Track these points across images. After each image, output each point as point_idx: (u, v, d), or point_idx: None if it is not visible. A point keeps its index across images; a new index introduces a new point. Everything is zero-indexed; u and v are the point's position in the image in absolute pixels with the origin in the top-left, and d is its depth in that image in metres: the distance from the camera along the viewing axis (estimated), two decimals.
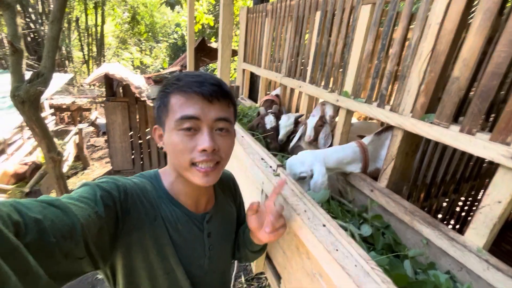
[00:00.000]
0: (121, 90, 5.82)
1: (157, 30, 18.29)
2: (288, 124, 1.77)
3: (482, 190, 2.21)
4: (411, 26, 1.52)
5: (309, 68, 1.80)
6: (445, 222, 2.07)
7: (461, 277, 0.92)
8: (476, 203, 2.21)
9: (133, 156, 6.08)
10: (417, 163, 1.55)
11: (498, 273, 0.80)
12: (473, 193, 2.15)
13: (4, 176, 4.81)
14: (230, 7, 1.40)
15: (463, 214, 2.14)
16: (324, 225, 0.74)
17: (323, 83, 1.66)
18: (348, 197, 1.33)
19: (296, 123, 1.80)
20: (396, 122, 1.12)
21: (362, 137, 1.68)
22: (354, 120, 1.98)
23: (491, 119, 1.57)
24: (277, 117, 1.89)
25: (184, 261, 0.68)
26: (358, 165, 1.31)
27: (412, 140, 1.17)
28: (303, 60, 1.94)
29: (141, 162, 6.22)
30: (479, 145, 0.84)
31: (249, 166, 1.18)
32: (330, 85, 1.60)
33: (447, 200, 1.89)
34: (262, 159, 1.16)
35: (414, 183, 1.58)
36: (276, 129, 1.84)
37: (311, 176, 1.19)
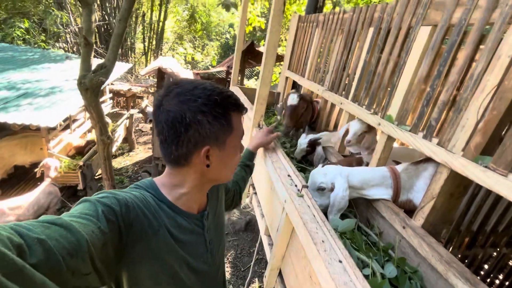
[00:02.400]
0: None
1: (211, 29, 19.22)
2: (303, 143, 1.77)
3: None
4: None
5: (354, 85, 1.72)
6: (491, 275, 1.80)
7: None
8: None
9: None
10: (464, 206, 1.37)
11: None
12: None
13: (68, 146, 5.56)
14: (279, 18, 1.40)
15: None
16: (340, 261, 0.70)
17: (366, 103, 1.57)
18: (375, 229, 1.24)
19: (311, 144, 1.78)
20: (443, 159, 1.00)
21: (398, 163, 1.56)
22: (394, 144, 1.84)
23: None
24: (302, 98, 1.96)
25: (190, 261, 0.72)
26: (387, 190, 1.21)
27: (460, 182, 1.04)
28: (349, 74, 1.86)
29: None
30: None
31: (275, 181, 1.17)
32: (374, 106, 1.51)
33: (496, 251, 1.64)
34: (288, 175, 1.14)
35: (457, 228, 1.40)
36: (295, 108, 1.91)
37: (331, 190, 1.15)
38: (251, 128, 1.80)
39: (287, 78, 3.07)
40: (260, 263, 4.10)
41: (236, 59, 3.17)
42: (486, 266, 1.77)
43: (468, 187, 1.10)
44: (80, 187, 5.13)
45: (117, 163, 7.45)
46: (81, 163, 5.07)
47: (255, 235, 4.64)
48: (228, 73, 8.04)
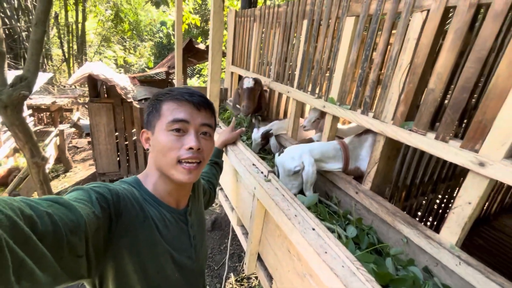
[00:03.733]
0: (104, 90, 5.68)
1: (142, 29, 17.89)
2: (257, 137, 1.87)
3: (457, 189, 2.37)
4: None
5: (297, 74, 1.86)
6: (424, 219, 2.20)
7: (437, 272, 1.00)
8: (451, 201, 2.36)
9: (118, 158, 5.94)
10: (398, 166, 1.64)
11: (468, 267, 0.88)
12: (449, 191, 2.29)
13: None
14: (220, 14, 1.43)
15: (440, 211, 2.28)
16: (313, 229, 0.80)
17: (310, 89, 1.72)
18: (334, 200, 1.40)
19: (264, 137, 1.89)
20: (379, 129, 1.19)
21: (340, 138, 1.78)
22: (340, 125, 2.06)
23: (463, 124, 1.69)
24: (257, 82, 2.04)
25: (175, 255, 0.73)
26: (340, 163, 1.39)
27: (393, 145, 1.25)
28: (291, 64, 2.00)
29: (127, 164, 6.10)
30: (451, 152, 0.93)
31: (241, 172, 1.22)
32: (317, 91, 1.67)
33: (425, 199, 2.01)
34: (253, 165, 1.20)
35: (396, 184, 1.67)
36: (251, 90, 1.98)
37: (303, 168, 1.27)
38: None
39: (232, 73, 3.11)
40: (233, 257, 4.15)
41: (178, 58, 3.08)
42: (419, 213, 2.15)
43: (399, 149, 1.33)
44: None
45: (53, 187, 6.50)
46: (5, 194, 4.30)
47: (223, 232, 4.65)
48: (167, 73, 7.67)
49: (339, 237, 1.11)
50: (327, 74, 1.57)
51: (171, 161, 0.70)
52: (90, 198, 0.56)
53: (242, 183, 1.28)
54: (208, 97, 1.74)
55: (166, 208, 0.75)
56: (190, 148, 0.69)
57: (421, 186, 1.89)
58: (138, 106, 4.74)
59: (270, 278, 1.14)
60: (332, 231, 1.13)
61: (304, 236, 0.77)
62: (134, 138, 5.96)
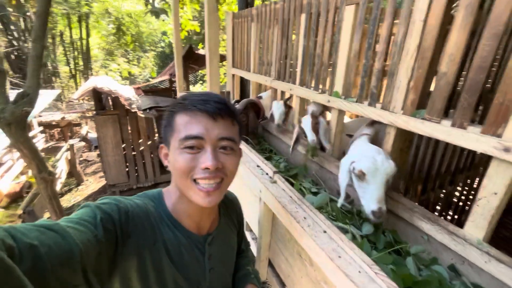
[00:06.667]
0: (110, 103, 5.75)
1: (144, 40, 18.19)
2: (279, 107, 1.90)
3: (477, 179, 2.24)
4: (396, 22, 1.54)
5: (298, 70, 1.80)
6: (443, 213, 2.09)
7: (464, 270, 0.92)
8: (472, 192, 2.24)
9: (127, 169, 5.98)
10: (412, 158, 1.55)
11: (500, 265, 0.80)
12: (468, 182, 2.18)
13: None
14: (215, 15, 1.39)
15: (461, 204, 2.16)
16: (324, 231, 0.74)
17: (313, 85, 1.66)
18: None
19: (286, 105, 1.95)
20: (389, 120, 1.12)
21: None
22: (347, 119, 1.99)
23: (479, 110, 1.59)
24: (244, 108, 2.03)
25: (182, 285, 0.66)
26: None
27: (405, 137, 1.17)
28: (291, 62, 1.94)
29: (136, 174, 6.14)
30: (471, 139, 0.85)
31: (245, 175, 1.16)
32: (320, 86, 1.61)
33: (444, 192, 1.91)
34: (258, 166, 1.15)
35: (411, 178, 1.58)
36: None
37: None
38: None
39: (233, 75, 3.07)
40: None
41: (178, 65, 3.07)
42: (438, 207, 2.04)
43: (412, 140, 1.25)
44: None
45: (66, 201, 6.62)
46: (20, 211, 4.37)
47: None
48: (171, 81, 7.72)
49: (354, 238, 1.03)
50: (330, 69, 1.51)
51: (188, 183, 0.62)
52: (95, 219, 0.52)
53: (247, 186, 1.23)
54: None
55: (183, 232, 0.67)
56: (206, 168, 0.60)
57: (438, 179, 1.79)
58: (143, 115, 4.76)
59: (282, 285, 1.08)
60: (346, 231, 1.06)
61: (315, 240, 0.71)
62: (142, 148, 5.99)
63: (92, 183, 7.65)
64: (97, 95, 5.27)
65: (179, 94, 3.31)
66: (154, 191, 0.71)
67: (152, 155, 6.10)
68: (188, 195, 0.63)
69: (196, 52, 5.50)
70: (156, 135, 6.33)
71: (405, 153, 1.22)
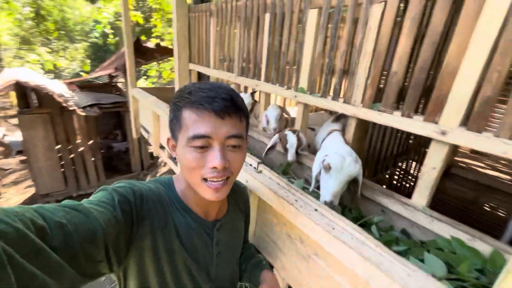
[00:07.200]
0: (35, 100, 4.93)
1: (71, 28, 15.91)
2: (246, 97, 1.98)
3: (412, 162, 2.72)
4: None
5: (263, 67, 1.88)
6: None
7: (413, 232, 1.14)
8: (406, 174, 2.71)
9: (64, 175, 5.26)
10: (367, 145, 1.81)
11: (440, 223, 1.03)
12: (404, 166, 2.61)
13: None
14: (184, 8, 1.37)
15: (399, 184, 2.59)
16: (316, 210, 0.84)
17: (279, 81, 1.76)
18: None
19: (253, 97, 2.08)
20: (352, 112, 1.29)
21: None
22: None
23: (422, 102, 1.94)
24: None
25: (193, 268, 0.69)
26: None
27: (363, 127, 1.37)
28: (255, 58, 2.01)
29: (76, 180, 5.44)
30: (417, 126, 1.06)
31: None
32: (286, 83, 1.72)
33: (388, 173, 2.26)
34: None
35: (366, 162, 1.84)
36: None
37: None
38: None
39: (190, 70, 3.00)
40: None
41: (129, 59, 2.84)
42: (384, 186, 2.41)
43: (367, 130, 1.46)
44: None
45: None
46: None
47: None
48: (111, 76, 7.01)
49: None
50: (295, 67, 1.63)
51: (197, 180, 0.63)
52: (113, 201, 0.55)
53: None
54: None
55: (193, 216, 0.70)
56: (214, 167, 0.61)
57: (385, 161, 2.12)
58: (83, 113, 4.23)
59: (270, 266, 1.16)
60: None
61: (309, 217, 0.80)
62: (82, 149, 5.32)
63: (14, 195, 6.46)
64: (20, 90, 4.47)
65: (132, 90, 3.06)
66: (165, 177, 0.75)
67: (94, 158, 5.48)
68: (198, 191, 0.66)
69: (144, 45, 5.12)
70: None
71: (363, 141, 1.43)
